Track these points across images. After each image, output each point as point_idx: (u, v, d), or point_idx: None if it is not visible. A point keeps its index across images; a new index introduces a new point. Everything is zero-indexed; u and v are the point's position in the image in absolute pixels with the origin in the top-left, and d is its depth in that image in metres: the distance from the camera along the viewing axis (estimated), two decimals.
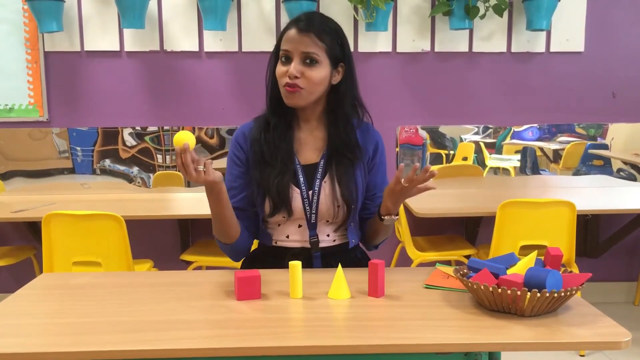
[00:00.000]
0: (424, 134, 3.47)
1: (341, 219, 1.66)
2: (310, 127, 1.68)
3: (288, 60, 1.57)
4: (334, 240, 1.68)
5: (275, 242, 1.68)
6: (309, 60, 1.56)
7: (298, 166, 1.64)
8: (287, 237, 1.67)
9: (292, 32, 1.56)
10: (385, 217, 1.60)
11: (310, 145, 1.68)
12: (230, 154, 1.70)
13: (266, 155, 1.62)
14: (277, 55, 1.61)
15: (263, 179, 1.61)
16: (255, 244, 1.76)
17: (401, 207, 2.94)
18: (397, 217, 1.61)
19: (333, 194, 1.62)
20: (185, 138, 1.39)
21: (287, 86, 1.56)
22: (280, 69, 1.58)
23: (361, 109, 1.69)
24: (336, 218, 1.65)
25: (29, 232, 3.27)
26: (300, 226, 1.65)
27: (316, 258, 1.66)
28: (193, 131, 3.40)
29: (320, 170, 1.64)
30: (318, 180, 1.63)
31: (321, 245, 1.66)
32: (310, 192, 1.63)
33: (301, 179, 1.63)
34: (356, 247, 1.75)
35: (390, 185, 1.54)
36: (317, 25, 1.57)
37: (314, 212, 1.63)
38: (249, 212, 1.69)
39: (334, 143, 1.65)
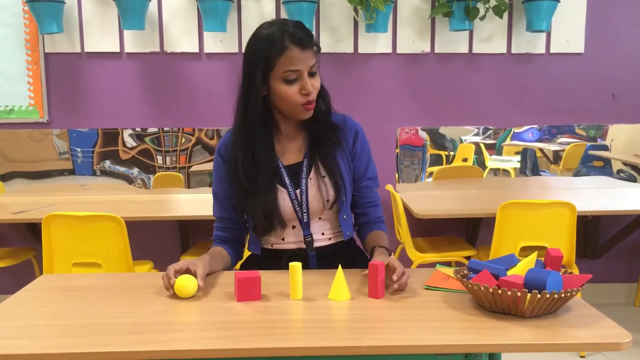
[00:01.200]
0: (424, 135, 3.47)
1: (333, 212, 1.66)
2: (291, 131, 1.67)
3: (296, 79, 1.54)
4: (330, 239, 1.69)
5: (272, 246, 1.69)
6: (313, 72, 1.56)
7: (282, 168, 1.65)
8: (283, 239, 1.67)
9: (295, 51, 1.51)
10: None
11: (291, 148, 1.68)
12: (215, 166, 1.71)
13: (249, 184, 1.60)
14: (265, 74, 1.54)
15: (248, 204, 1.62)
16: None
17: (401, 209, 2.95)
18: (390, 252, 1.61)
19: (320, 188, 1.63)
20: (190, 289, 1.41)
21: (308, 104, 1.56)
22: (290, 89, 1.54)
23: (328, 96, 1.67)
24: (327, 212, 1.66)
25: (29, 233, 3.27)
26: (294, 227, 1.66)
27: (312, 257, 1.66)
28: (193, 133, 3.40)
29: (304, 169, 1.65)
30: (304, 179, 1.64)
31: (317, 244, 1.67)
32: (298, 191, 1.63)
33: (287, 180, 1.64)
34: (352, 241, 1.75)
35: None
36: (310, 36, 1.55)
37: (304, 210, 1.64)
38: (237, 221, 1.72)
39: (316, 132, 1.65)
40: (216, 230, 1.74)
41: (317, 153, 1.65)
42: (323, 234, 1.68)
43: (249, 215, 1.66)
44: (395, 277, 1.40)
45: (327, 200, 1.64)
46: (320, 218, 1.67)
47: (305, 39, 1.53)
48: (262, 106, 1.58)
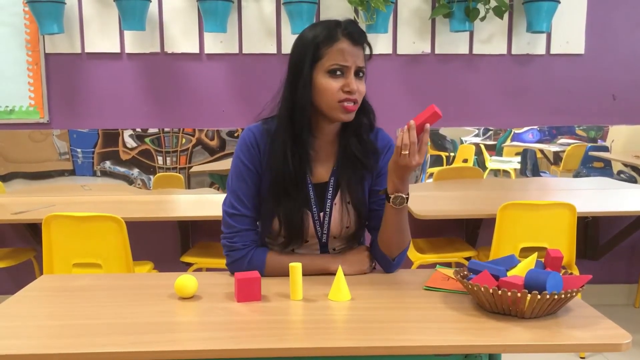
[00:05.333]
0: None
1: (350, 236, 1.65)
2: (326, 139, 1.58)
3: (341, 74, 1.48)
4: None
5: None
6: (359, 74, 1.51)
7: (310, 185, 1.58)
8: (292, 250, 1.64)
9: (346, 44, 1.47)
10: (394, 194, 1.45)
11: (321, 161, 1.60)
12: (242, 160, 1.56)
13: (287, 184, 1.52)
14: (312, 66, 1.48)
15: (280, 208, 1.54)
16: None
17: None
18: (407, 196, 1.46)
19: (343, 215, 1.59)
20: (190, 289, 1.41)
21: (347, 103, 1.47)
22: (333, 84, 1.46)
23: (372, 112, 1.62)
24: (345, 235, 1.63)
25: (29, 233, 3.27)
26: (307, 241, 1.62)
27: None
28: (193, 133, 3.40)
29: (330, 189, 1.59)
30: (329, 201, 1.59)
31: None
32: (322, 214, 1.59)
33: (312, 200, 1.58)
34: None
35: (393, 157, 1.42)
36: (362, 34, 1.51)
37: (325, 232, 1.61)
38: (257, 219, 1.63)
39: (350, 152, 1.56)
40: (250, 232, 1.58)
41: (345, 175, 1.57)
42: (334, 249, 1.66)
43: (269, 219, 1.55)
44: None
45: (347, 227, 1.60)
46: (335, 237, 1.63)
47: (357, 34, 1.49)
48: (309, 99, 1.48)
